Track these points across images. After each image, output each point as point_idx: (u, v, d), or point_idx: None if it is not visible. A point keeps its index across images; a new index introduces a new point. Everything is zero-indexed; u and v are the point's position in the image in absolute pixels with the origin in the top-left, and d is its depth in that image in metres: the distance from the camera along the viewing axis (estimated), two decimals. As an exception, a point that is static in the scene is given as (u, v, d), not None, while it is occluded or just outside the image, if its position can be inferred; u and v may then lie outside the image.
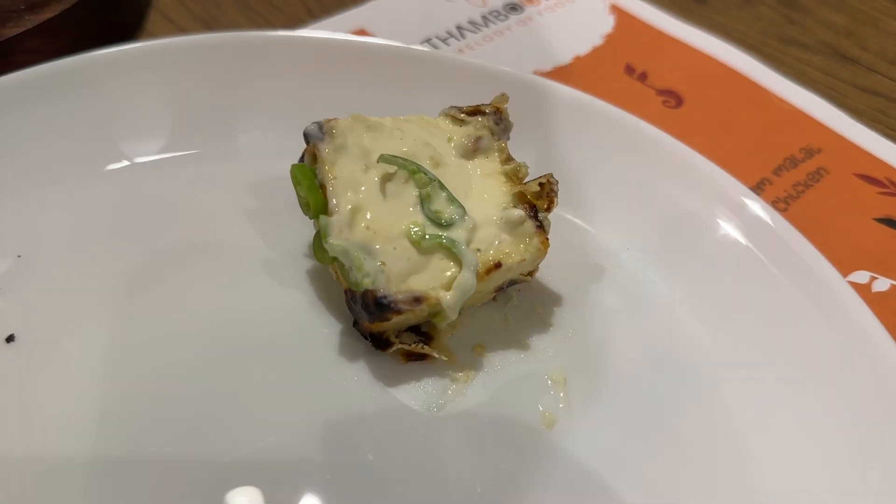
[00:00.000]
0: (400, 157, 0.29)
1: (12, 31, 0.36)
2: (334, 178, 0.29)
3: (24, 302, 0.29)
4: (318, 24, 0.44)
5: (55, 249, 0.31)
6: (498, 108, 0.32)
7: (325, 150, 0.29)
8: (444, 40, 0.43)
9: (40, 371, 0.27)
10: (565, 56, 0.43)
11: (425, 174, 0.29)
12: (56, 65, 0.35)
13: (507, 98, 0.33)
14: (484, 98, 0.33)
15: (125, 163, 0.34)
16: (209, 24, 0.44)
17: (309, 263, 0.32)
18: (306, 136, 0.30)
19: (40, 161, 0.33)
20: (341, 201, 0.28)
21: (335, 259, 0.28)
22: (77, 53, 0.35)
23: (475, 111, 0.32)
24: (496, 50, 0.43)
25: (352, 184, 0.29)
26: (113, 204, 0.33)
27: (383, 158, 0.29)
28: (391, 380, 0.28)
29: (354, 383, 0.28)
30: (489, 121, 0.32)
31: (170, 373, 0.28)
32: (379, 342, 0.29)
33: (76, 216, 0.32)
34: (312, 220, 0.30)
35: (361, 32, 0.43)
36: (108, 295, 0.30)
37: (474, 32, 0.44)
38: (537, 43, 0.44)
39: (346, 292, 0.29)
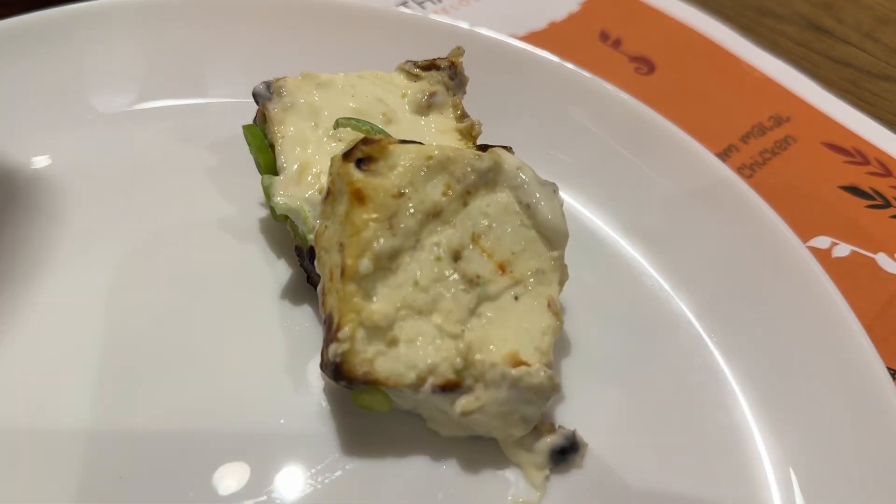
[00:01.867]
0: (354, 119, 0.29)
1: (-17, -15, 0.36)
2: (282, 137, 0.29)
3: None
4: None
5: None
6: (453, 62, 0.32)
7: (273, 109, 0.29)
8: (420, 3, 0.44)
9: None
10: (540, 21, 0.43)
11: (383, 134, 0.29)
12: (26, 18, 0.35)
13: (463, 51, 0.32)
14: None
15: (94, 116, 0.35)
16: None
17: (268, 220, 0.32)
18: (255, 96, 0.30)
19: (13, 113, 0.34)
20: (289, 159, 0.28)
21: (287, 217, 0.29)
22: (48, 7, 0.36)
23: (430, 65, 0.32)
24: (472, 13, 0.43)
25: (300, 141, 0.29)
26: (80, 156, 0.33)
27: (339, 122, 0.29)
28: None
29: (304, 331, 0.29)
30: (444, 75, 0.32)
31: (131, 323, 0.28)
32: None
33: (47, 166, 0.32)
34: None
35: (337, -5, 0.43)
36: (74, 242, 0.30)
37: (451, -4, 0.44)
38: (514, 8, 0.44)
39: (296, 249, 0.29)
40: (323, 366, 0.25)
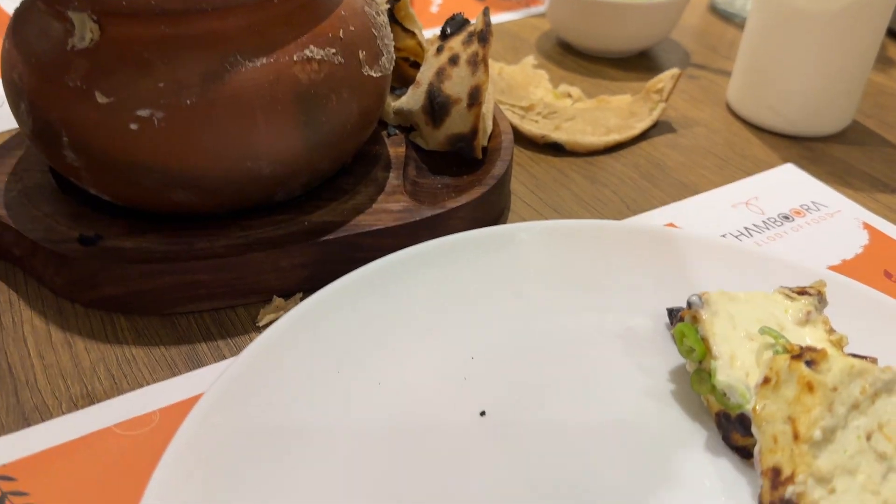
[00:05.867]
0: (770, 328, 0.41)
1: (451, 205, 0.52)
2: (714, 334, 0.41)
3: (485, 388, 0.42)
4: (635, 217, 0.58)
5: (494, 355, 0.44)
6: (820, 291, 0.44)
7: (704, 314, 0.42)
8: (736, 237, 0.56)
9: (504, 440, 0.40)
10: (834, 259, 0.55)
11: (786, 341, 0.40)
12: (481, 232, 0.50)
13: (825, 283, 0.45)
14: (783, 282, 0.46)
15: (523, 305, 0.48)
16: (557, 210, 0.59)
17: (678, 390, 0.43)
18: (689, 304, 0.43)
19: (472, 294, 0.48)
20: (722, 350, 0.40)
21: (713, 389, 0.40)
22: (482, 222, 0.51)
23: (802, 291, 0.44)
24: (780, 248, 0.56)
25: (725, 339, 0.41)
26: (517, 327, 0.46)
27: (763, 330, 0.41)
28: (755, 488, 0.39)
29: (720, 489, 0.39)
30: (814, 300, 0.44)
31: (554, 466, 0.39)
32: (745, 453, 0.39)
33: (501, 332, 0.46)
34: (687, 361, 0.42)
35: (670, 225, 0.57)
36: (524, 391, 0.43)
37: (760, 233, 0.57)
38: (810, 246, 0.56)
39: (717, 414, 0.40)
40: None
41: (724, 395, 0.39)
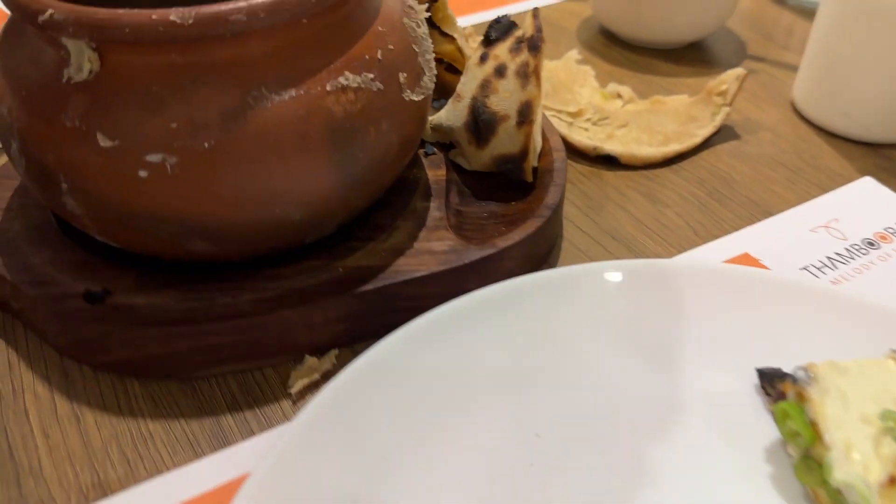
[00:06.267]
0: (891, 412, 0.35)
1: (502, 243, 0.45)
2: (824, 417, 0.35)
3: (555, 477, 0.37)
4: (707, 246, 0.52)
5: (562, 432, 0.39)
6: (937, 356, 0.38)
7: (813, 392, 0.36)
8: (819, 269, 0.50)
9: None
10: (927, 294, 0.49)
11: (910, 424, 0.34)
12: (540, 278, 0.44)
13: (944, 343, 0.39)
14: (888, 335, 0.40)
15: (592, 368, 0.42)
16: (615, 237, 0.53)
17: (778, 474, 0.37)
18: (795, 378, 0.37)
19: (533, 357, 0.42)
20: (835, 438, 0.35)
21: (824, 482, 0.34)
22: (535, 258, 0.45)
23: (916, 356, 0.38)
24: (867, 282, 0.49)
25: (837, 423, 0.35)
26: (585, 396, 0.41)
27: (885, 415, 0.35)
28: None
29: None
30: (931, 366, 0.38)
31: None
32: (862, 558, 0.34)
33: (568, 403, 0.40)
34: (789, 444, 0.37)
35: (746, 256, 0.51)
36: (600, 478, 0.37)
37: (844, 264, 0.51)
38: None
39: (827, 510, 0.35)
40: None
41: (839, 492, 0.34)
